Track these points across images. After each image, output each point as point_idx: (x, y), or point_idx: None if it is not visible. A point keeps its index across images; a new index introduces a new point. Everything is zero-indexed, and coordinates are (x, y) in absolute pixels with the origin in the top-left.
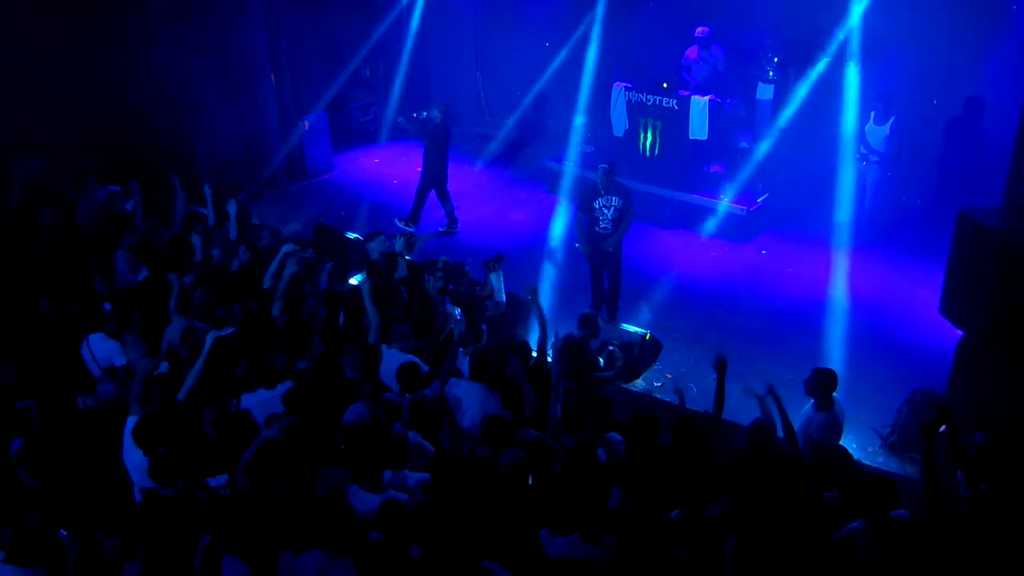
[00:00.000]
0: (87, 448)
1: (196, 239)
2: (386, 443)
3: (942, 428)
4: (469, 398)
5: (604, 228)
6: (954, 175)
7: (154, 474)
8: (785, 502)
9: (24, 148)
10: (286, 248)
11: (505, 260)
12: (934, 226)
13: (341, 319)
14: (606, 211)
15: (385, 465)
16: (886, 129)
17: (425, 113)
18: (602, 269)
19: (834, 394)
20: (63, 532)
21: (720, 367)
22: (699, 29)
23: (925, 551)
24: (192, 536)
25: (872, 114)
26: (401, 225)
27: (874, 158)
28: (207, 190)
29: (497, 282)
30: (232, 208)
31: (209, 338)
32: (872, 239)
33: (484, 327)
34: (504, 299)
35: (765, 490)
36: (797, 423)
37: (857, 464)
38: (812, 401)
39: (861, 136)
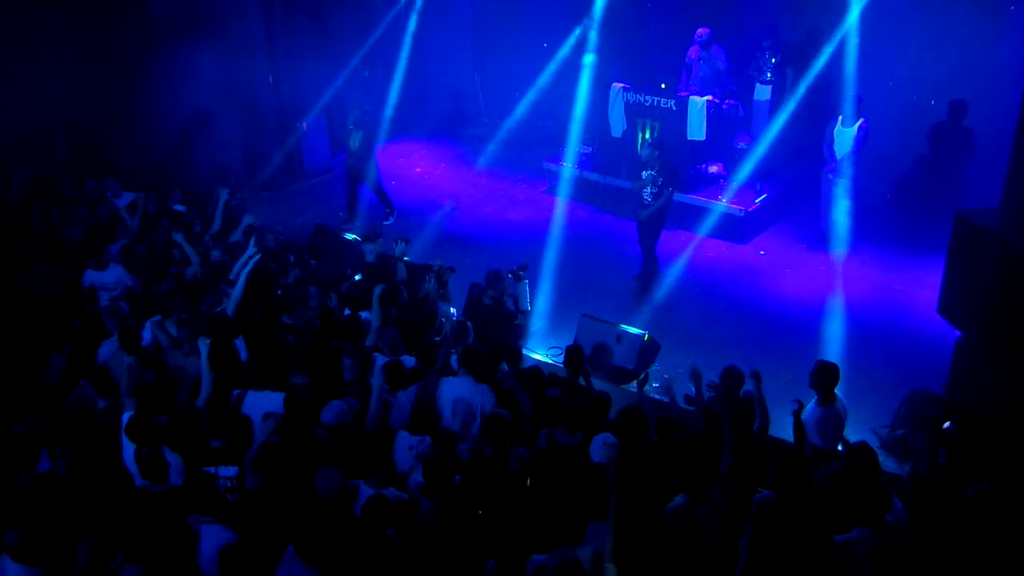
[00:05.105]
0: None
1: (179, 236)
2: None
3: (946, 424)
4: (458, 391)
5: (646, 201)
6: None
7: (143, 471)
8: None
9: (22, 151)
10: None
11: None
12: (931, 227)
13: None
14: (649, 186)
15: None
16: (854, 131)
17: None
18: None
19: (836, 390)
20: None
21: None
22: (700, 31)
23: (923, 552)
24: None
25: (840, 117)
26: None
27: (834, 174)
28: (223, 195)
29: (523, 291)
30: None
31: (202, 345)
32: (870, 239)
33: (469, 324)
34: (529, 308)
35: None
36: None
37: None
38: (814, 397)
39: (830, 139)
